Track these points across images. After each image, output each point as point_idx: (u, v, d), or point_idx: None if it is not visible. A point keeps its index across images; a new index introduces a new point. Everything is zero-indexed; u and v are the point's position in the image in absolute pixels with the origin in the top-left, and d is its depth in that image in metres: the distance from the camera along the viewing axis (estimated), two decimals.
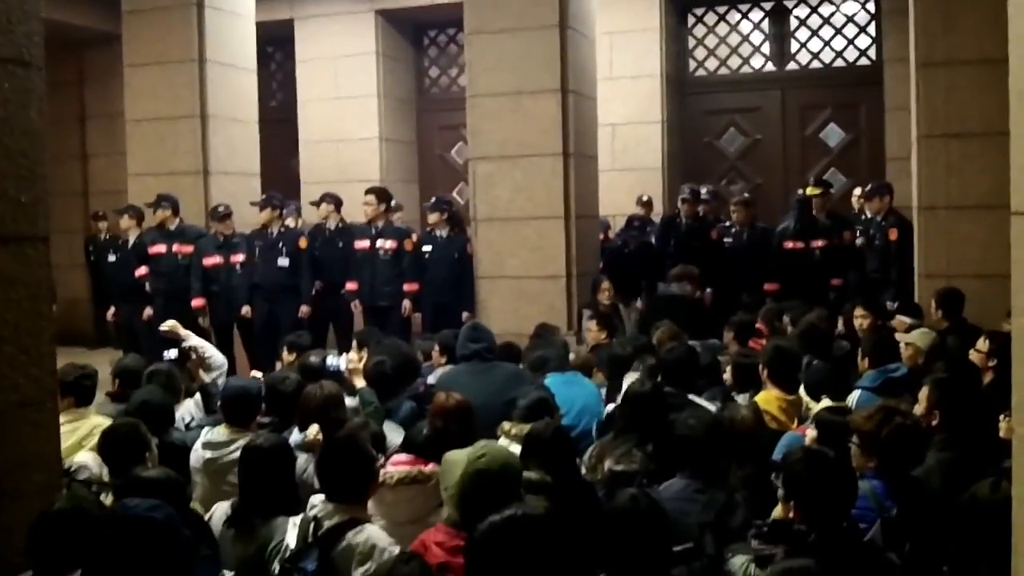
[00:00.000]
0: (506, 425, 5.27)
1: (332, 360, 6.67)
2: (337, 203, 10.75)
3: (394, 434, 5.51)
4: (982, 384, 5.76)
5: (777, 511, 4.27)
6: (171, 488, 3.89)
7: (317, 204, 10.83)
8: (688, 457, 4.56)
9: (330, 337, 10.43)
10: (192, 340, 7.08)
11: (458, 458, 4.02)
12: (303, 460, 5.02)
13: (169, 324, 7.32)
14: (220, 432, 5.41)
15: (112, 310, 11.81)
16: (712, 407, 5.54)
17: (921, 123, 8.55)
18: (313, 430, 5.30)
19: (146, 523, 2.61)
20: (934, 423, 4.75)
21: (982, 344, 6.21)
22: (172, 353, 6.93)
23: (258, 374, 7.14)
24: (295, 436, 5.37)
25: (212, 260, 10.63)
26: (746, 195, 11.44)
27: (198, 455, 5.36)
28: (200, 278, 10.62)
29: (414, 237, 10.56)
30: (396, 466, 4.53)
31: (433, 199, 10.84)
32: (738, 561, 3.69)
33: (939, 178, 8.43)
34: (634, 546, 3.39)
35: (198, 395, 6.47)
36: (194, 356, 6.65)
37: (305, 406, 5.47)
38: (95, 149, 15.26)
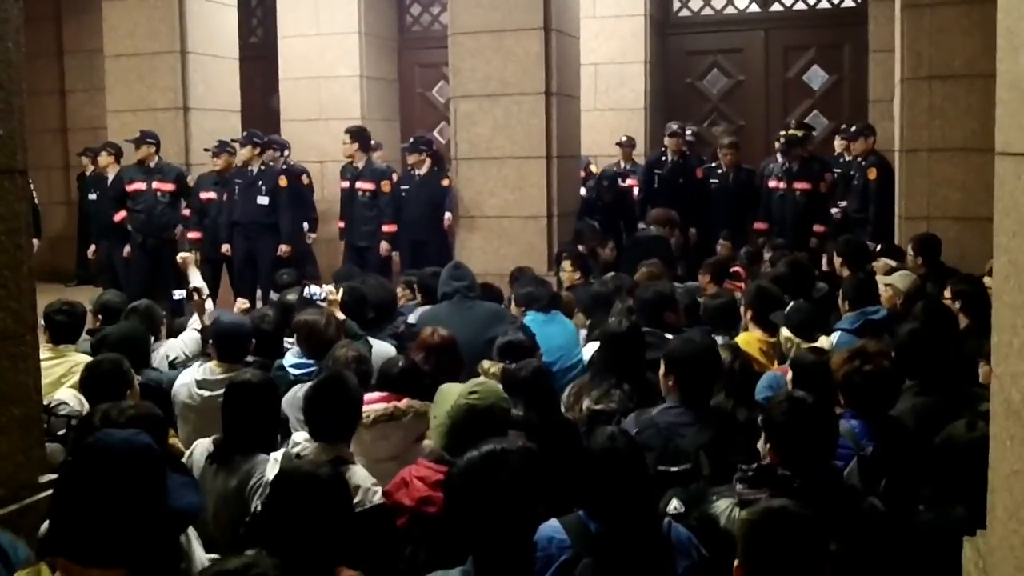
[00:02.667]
0: (486, 364, 5.28)
1: (314, 289, 6.70)
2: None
3: None
4: (958, 329, 5.79)
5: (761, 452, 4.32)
6: (149, 422, 3.88)
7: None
8: (683, 378, 4.55)
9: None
10: (196, 279, 7.11)
11: (452, 391, 4.03)
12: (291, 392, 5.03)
13: (184, 256, 7.41)
14: (212, 369, 5.41)
15: (92, 248, 11.76)
16: None
17: (905, 65, 8.53)
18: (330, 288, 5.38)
19: (126, 448, 2.61)
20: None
21: (949, 291, 6.26)
22: (181, 293, 6.91)
23: (243, 303, 7.10)
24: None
25: (208, 195, 10.67)
26: (734, 138, 11.39)
27: (190, 393, 5.36)
28: (197, 211, 10.69)
29: (393, 178, 10.55)
30: (370, 404, 4.52)
31: (411, 139, 10.81)
32: (723, 504, 3.71)
33: (921, 120, 8.43)
34: (612, 484, 3.42)
35: (188, 333, 6.46)
36: (197, 297, 6.64)
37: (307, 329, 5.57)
38: (73, 85, 15.12)
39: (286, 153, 11.71)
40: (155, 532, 2.59)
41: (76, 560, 2.53)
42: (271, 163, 10.89)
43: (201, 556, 3.46)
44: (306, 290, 6.58)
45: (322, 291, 6.64)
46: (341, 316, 6.12)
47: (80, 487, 2.60)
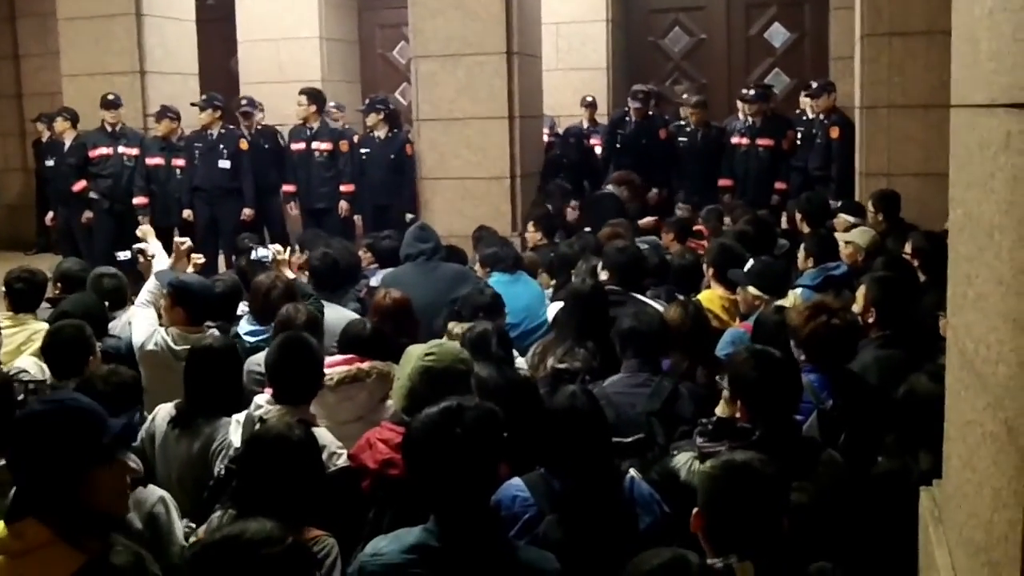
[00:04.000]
0: (452, 325, 5.28)
1: (261, 251, 6.67)
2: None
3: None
4: (914, 282, 5.83)
5: (720, 407, 4.35)
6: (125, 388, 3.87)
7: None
8: (632, 349, 4.59)
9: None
10: (153, 245, 7.05)
11: (416, 353, 4.04)
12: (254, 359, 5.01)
13: (144, 229, 7.31)
14: (184, 336, 5.25)
15: (51, 215, 11.64)
16: (657, 305, 5.59)
17: (865, 21, 8.55)
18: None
19: (76, 407, 2.62)
20: (871, 320, 4.82)
21: (908, 247, 6.31)
22: (125, 254, 6.83)
23: (199, 258, 7.04)
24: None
25: (154, 161, 10.54)
26: (701, 96, 11.40)
27: (171, 364, 5.20)
28: (144, 177, 10.55)
29: (355, 139, 10.51)
30: (334, 367, 4.52)
31: (368, 100, 10.76)
32: (683, 458, 3.74)
33: (881, 77, 8.45)
34: (573, 443, 3.44)
35: (144, 295, 6.39)
36: (142, 259, 6.57)
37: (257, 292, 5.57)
38: (27, 49, 14.88)
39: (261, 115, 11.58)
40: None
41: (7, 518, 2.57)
42: (233, 127, 10.82)
43: (181, 529, 3.47)
44: (254, 253, 6.54)
45: (268, 252, 6.61)
46: (290, 275, 6.10)
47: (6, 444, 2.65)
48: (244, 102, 10.63)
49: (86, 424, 2.60)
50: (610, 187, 9.61)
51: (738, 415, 3.70)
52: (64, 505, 2.54)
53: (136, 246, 6.72)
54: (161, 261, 6.88)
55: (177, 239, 6.73)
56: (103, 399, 3.04)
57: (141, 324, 5.46)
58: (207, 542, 2.66)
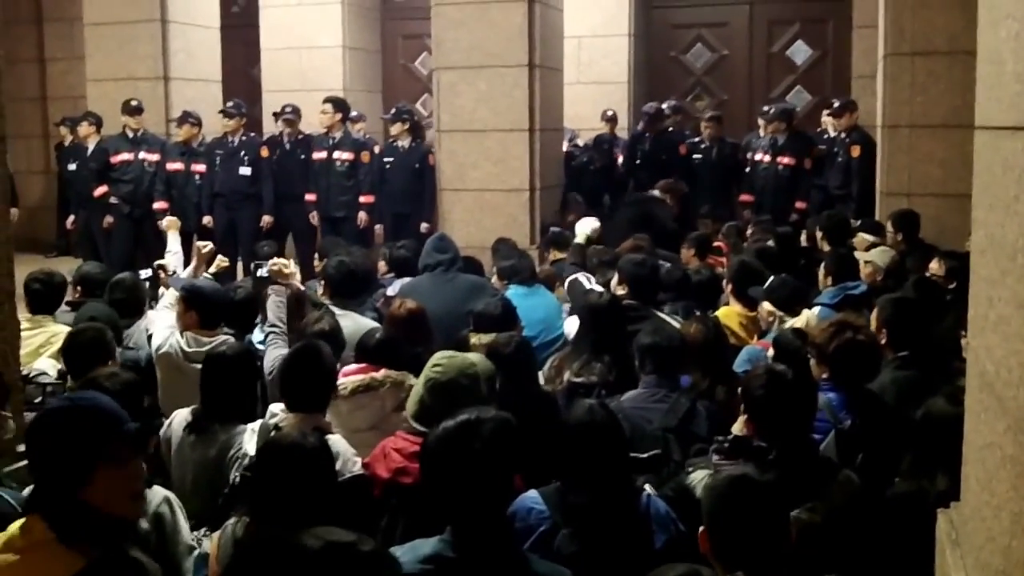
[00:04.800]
0: (473, 337, 5.29)
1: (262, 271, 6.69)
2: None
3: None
4: (939, 303, 5.80)
5: (738, 424, 4.33)
6: (128, 389, 3.87)
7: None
8: (651, 364, 4.58)
9: (289, 247, 10.40)
10: (174, 243, 7.13)
11: (430, 362, 4.04)
12: (273, 359, 5.02)
13: (169, 221, 7.41)
14: (198, 339, 5.31)
15: (72, 219, 11.70)
16: (674, 321, 5.58)
17: (887, 41, 8.52)
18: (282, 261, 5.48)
19: (87, 407, 2.62)
20: (883, 341, 4.80)
21: (935, 266, 6.28)
22: (146, 272, 6.88)
23: (209, 275, 7.05)
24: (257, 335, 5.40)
25: (174, 166, 10.60)
26: (716, 112, 11.40)
27: (179, 365, 5.28)
28: (164, 182, 10.62)
29: (376, 149, 10.54)
30: (348, 376, 4.53)
31: (394, 109, 10.77)
32: (698, 475, 3.73)
33: (903, 96, 8.43)
34: (590, 456, 3.43)
35: (164, 302, 6.41)
36: (163, 275, 6.61)
37: None
38: (53, 53, 14.96)
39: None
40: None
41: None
42: (254, 134, 10.87)
43: (186, 529, 3.47)
44: (260, 271, 6.54)
45: (272, 265, 6.60)
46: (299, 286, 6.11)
47: (27, 444, 2.65)
48: (288, 109, 10.63)
49: (95, 424, 2.59)
50: (656, 192, 9.58)
51: (749, 432, 3.69)
52: (66, 505, 2.54)
53: (157, 263, 6.77)
54: (179, 260, 6.93)
55: (199, 243, 6.76)
56: None
57: (159, 327, 5.51)
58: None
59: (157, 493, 3.47)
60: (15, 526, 2.56)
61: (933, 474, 3.39)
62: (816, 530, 3.20)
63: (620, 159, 11.69)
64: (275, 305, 5.35)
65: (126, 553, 2.63)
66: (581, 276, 6.70)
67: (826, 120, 10.98)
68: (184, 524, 3.49)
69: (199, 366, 5.04)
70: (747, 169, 10.67)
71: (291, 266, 5.91)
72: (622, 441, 3.61)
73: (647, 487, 3.65)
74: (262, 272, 6.19)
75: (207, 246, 6.58)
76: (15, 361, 4.03)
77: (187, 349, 5.26)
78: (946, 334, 4.89)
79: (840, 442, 3.98)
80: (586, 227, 8.27)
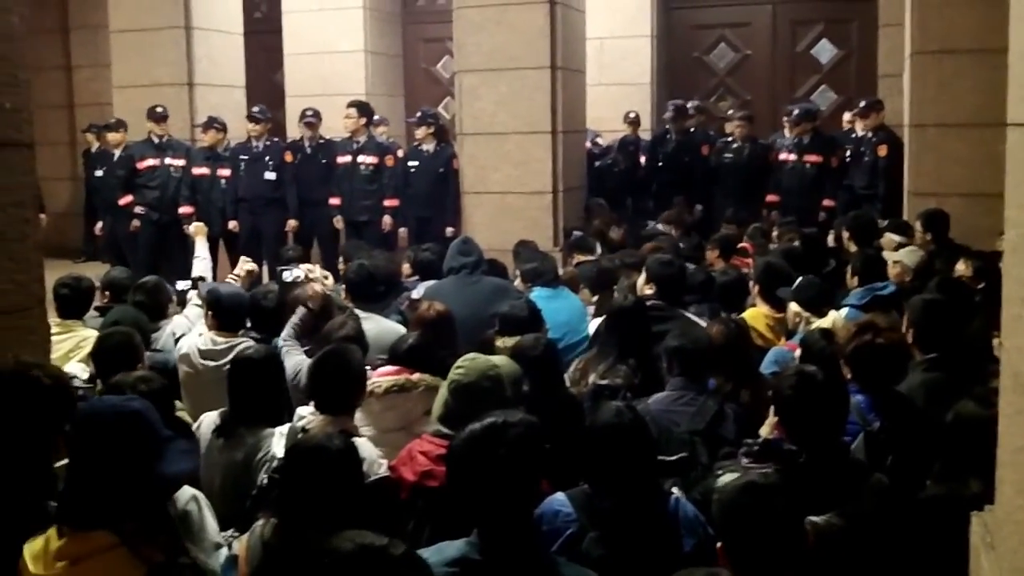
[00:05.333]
0: (500, 340, 5.29)
1: (295, 272, 6.71)
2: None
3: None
4: (967, 304, 5.75)
5: (766, 427, 4.31)
6: (155, 395, 3.88)
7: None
8: (679, 367, 4.57)
9: (314, 251, 10.42)
10: (203, 251, 7.19)
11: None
12: (292, 365, 5.04)
13: (196, 225, 7.49)
14: (213, 339, 5.41)
15: (100, 225, 11.78)
16: (701, 322, 5.56)
17: (913, 39, 8.47)
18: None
19: (117, 413, 2.63)
20: (912, 342, 4.76)
21: (962, 267, 6.23)
22: (185, 284, 6.93)
23: (251, 265, 7.10)
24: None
25: (199, 171, 10.66)
26: (746, 111, 11.34)
27: (192, 362, 5.39)
28: (189, 187, 10.67)
29: (399, 153, 10.55)
30: (383, 376, 4.55)
31: (419, 113, 10.77)
32: (727, 479, 3.71)
33: (930, 95, 8.37)
34: (618, 459, 3.42)
35: (191, 309, 6.46)
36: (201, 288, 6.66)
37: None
38: (79, 61, 15.10)
39: None
40: (142, 496, 2.60)
41: (66, 523, 2.57)
42: (278, 139, 10.91)
43: (213, 527, 3.48)
44: (285, 274, 6.56)
45: (300, 271, 6.64)
46: (320, 287, 6.13)
47: (71, 452, 2.64)
48: (309, 113, 10.66)
49: (145, 428, 2.62)
50: (660, 226, 9.52)
51: (775, 434, 3.67)
52: (132, 511, 2.55)
53: (195, 275, 6.81)
54: (208, 266, 6.97)
55: (245, 264, 6.81)
56: None
57: (183, 328, 5.72)
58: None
59: (185, 491, 3.47)
60: (52, 533, 2.57)
61: (965, 477, 3.37)
62: (844, 536, 3.17)
63: (643, 160, 11.65)
64: (296, 316, 5.47)
65: (186, 557, 2.65)
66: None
67: (848, 118, 10.93)
68: (212, 522, 3.49)
69: (212, 363, 5.18)
70: (773, 168, 10.59)
71: (318, 271, 5.97)
72: (650, 444, 3.59)
73: (675, 490, 3.63)
74: (288, 276, 6.23)
75: (248, 263, 6.68)
76: None
77: (201, 348, 5.41)
78: (976, 335, 4.85)
79: (869, 444, 3.95)
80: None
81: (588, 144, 11.54)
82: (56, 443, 2.90)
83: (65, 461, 2.97)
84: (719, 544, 2.82)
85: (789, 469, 3.38)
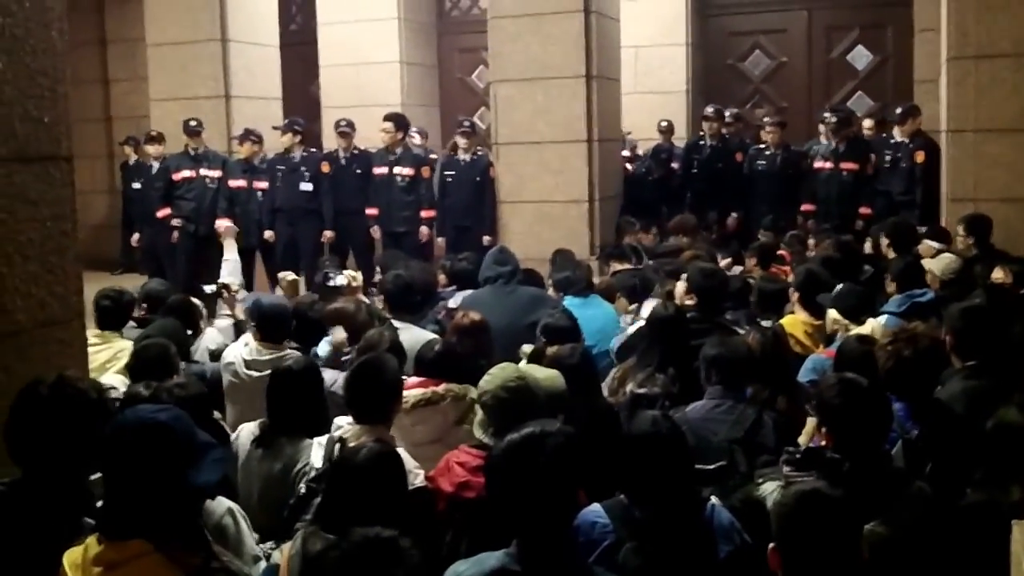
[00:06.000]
0: (527, 347, 5.29)
1: (339, 279, 6.76)
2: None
3: None
4: (1010, 310, 5.69)
5: (805, 435, 4.29)
6: (193, 401, 3.91)
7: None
8: (717, 375, 4.55)
9: (350, 262, 10.46)
10: (232, 253, 7.24)
11: None
12: (331, 375, 5.06)
13: (225, 228, 7.57)
14: (258, 349, 5.45)
15: (136, 236, 11.88)
16: (739, 330, 5.53)
17: (950, 44, 8.40)
18: (340, 334, 5.50)
19: (150, 423, 2.65)
20: (952, 349, 4.71)
21: (1000, 274, 6.17)
22: (211, 288, 6.99)
23: (290, 275, 7.16)
24: (324, 347, 5.52)
25: (237, 183, 10.73)
26: (779, 117, 11.29)
27: (237, 372, 5.43)
28: (227, 199, 10.75)
29: (433, 164, 10.58)
30: (409, 389, 4.55)
31: (468, 122, 10.72)
32: (769, 487, 3.70)
33: (968, 101, 8.29)
34: (655, 469, 3.40)
35: (220, 321, 6.51)
36: (226, 294, 6.71)
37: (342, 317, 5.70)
38: (116, 74, 15.25)
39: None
40: (174, 505, 2.62)
41: (104, 532, 2.60)
42: (315, 150, 10.98)
43: (250, 540, 3.49)
44: (330, 279, 6.62)
45: (343, 277, 6.70)
46: (364, 300, 6.17)
47: (104, 462, 2.69)
48: (344, 123, 10.72)
49: (176, 438, 2.64)
50: (671, 240, 9.43)
51: (824, 443, 3.63)
52: (165, 519, 2.58)
53: (220, 281, 6.85)
54: (236, 267, 7.01)
55: (281, 274, 6.89)
56: None
57: (216, 339, 5.88)
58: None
59: (221, 504, 3.50)
60: (92, 541, 2.60)
61: (1006, 485, 3.33)
62: (888, 544, 3.14)
63: (675, 165, 11.61)
64: (324, 347, 5.58)
65: (220, 563, 2.68)
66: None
67: (868, 125, 10.85)
68: (248, 534, 3.51)
69: (256, 373, 5.20)
70: (808, 176, 10.52)
71: (359, 279, 6.01)
72: (686, 453, 3.58)
73: (712, 498, 3.61)
74: (332, 282, 6.28)
75: (290, 276, 6.75)
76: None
77: (247, 358, 5.44)
78: (1018, 341, 4.79)
79: (908, 452, 3.92)
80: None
81: (627, 152, 11.55)
82: (94, 455, 2.93)
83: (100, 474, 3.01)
84: (772, 553, 2.79)
85: (833, 477, 3.34)
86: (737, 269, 7.90)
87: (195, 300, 6.56)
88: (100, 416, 3.02)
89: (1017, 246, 7.04)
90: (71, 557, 2.61)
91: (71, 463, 2.96)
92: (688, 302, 5.83)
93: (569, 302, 6.38)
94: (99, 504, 2.85)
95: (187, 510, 2.75)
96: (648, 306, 6.08)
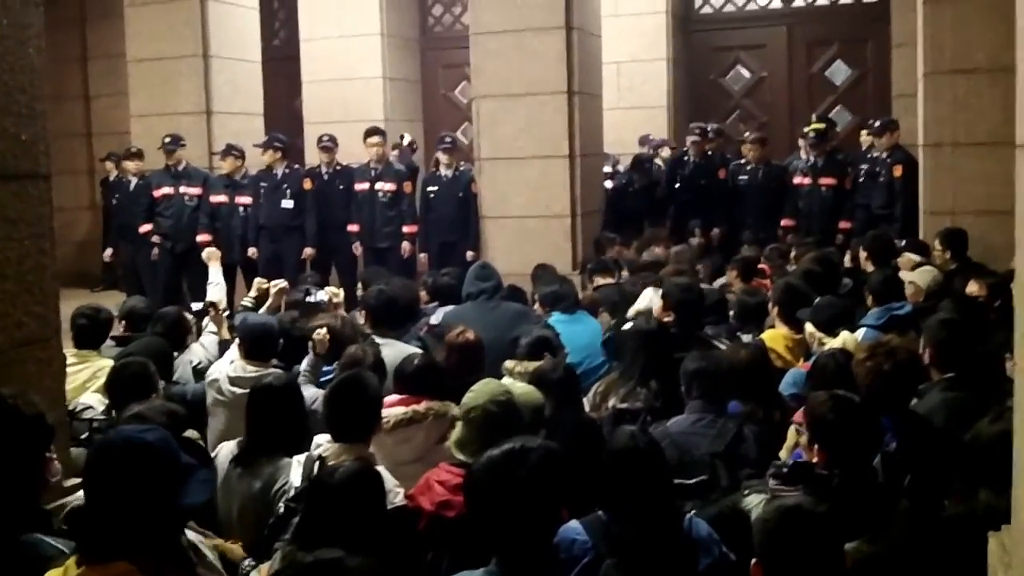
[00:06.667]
0: (510, 363, 5.29)
1: (319, 295, 6.77)
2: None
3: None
4: (983, 323, 5.72)
5: (786, 449, 4.30)
6: (170, 421, 3.89)
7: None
8: (698, 390, 4.55)
9: (332, 278, 10.45)
10: (217, 275, 7.24)
11: None
12: (311, 393, 5.05)
13: (209, 251, 7.58)
14: (244, 367, 5.43)
15: (110, 251, 11.81)
16: (719, 344, 5.55)
17: (928, 59, 8.47)
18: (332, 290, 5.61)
19: (137, 444, 2.64)
20: (931, 362, 4.74)
21: (974, 288, 6.21)
22: (198, 305, 6.98)
23: (262, 282, 7.15)
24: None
25: (218, 198, 10.71)
26: (760, 133, 11.34)
27: (221, 388, 5.42)
28: (208, 215, 10.71)
29: (417, 179, 10.59)
30: (390, 408, 4.54)
31: (448, 138, 10.73)
32: (755, 499, 3.71)
33: (945, 115, 8.36)
34: (633, 484, 3.41)
35: (206, 337, 6.49)
36: (214, 312, 6.71)
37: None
38: (98, 90, 15.23)
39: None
40: (158, 527, 2.62)
41: (83, 554, 2.58)
42: (298, 167, 10.97)
43: (216, 557, 3.48)
44: (310, 296, 6.62)
45: (324, 293, 6.71)
46: (344, 315, 6.18)
47: (87, 482, 2.68)
48: (325, 138, 10.74)
49: (162, 459, 2.64)
50: (645, 255, 9.45)
51: (815, 459, 3.64)
52: (148, 541, 2.57)
53: (208, 299, 6.85)
54: (222, 292, 7.02)
55: (273, 282, 6.88)
56: None
57: (202, 356, 5.85)
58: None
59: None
60: (71, 564, 2.58)
61: (983, 496, 3.35)
62: (874, 562, 3.15)
63: (660, 181, 11.63)
64: (306, 363, 5.54)
65: None
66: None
67: (865, 139, 10.91)
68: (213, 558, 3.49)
69: (240, 391, 5.19)
70: (789, 192, 10.56)
71: (340, 295, 6.01)
72: (664, 468, 3.58)
73: (691, 512, 3.62)
74: (321, 299, 6.29)
75: (281, 283, 6.76)
76: (62, 397, 4.06)
77: (231, 375, 5.43)
78: (994, 354, 4.82)
79: (886, 465, 3.93)
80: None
81: (609, 168, 11.56)
82: (40, 475, 2.91)
83: (60, 502, 3.00)
84: (755, 568, 2.80)
85: (820, 493, 3.36)
86: (720, 282, 7.92)
87: (185, 317, 6.57)
88: (36, 434, 2.98)
89: (994, 259, 7.08)
90: None
91: (10, 481, 2.92)
92: (666, 318, 5.84)
93: (555, 319, 6.38)
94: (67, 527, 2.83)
95: (172, 531, 2.74)
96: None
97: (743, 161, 10.97)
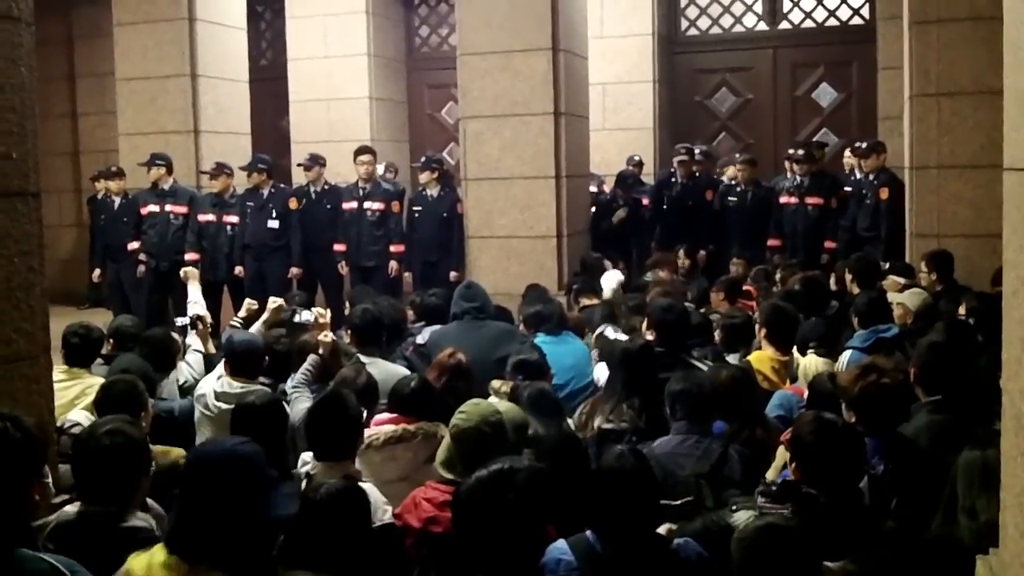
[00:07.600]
0: (496, 383, 5.29)
1: (305, 315, 6.78)
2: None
3: None
4: (972, 345, 5.75)
5: (773, 469, 4.30)
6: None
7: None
8: (683, 411, 4.56)
9: (319, 297, 10.44)
10: (196, 294, 7.22)
11: None
12: (299, 411, 5.04)
13: (187, 270, 7.57)
14: (230, 383, 5.46)
15: (97, 271, 11.78)
16: (703, 366, 5.56)
17: (913, 82, 8.53)
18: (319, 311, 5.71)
19: (233, 456, 2.68)
20: (917, 384, 4.76)
21: (964, 309, 6.24)
22: (184, 320, 6.97)
23: (252, 303, 7.14)
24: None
25: (205, 217, 10.69)
26: (749, 155, 11.38)
27: (208, 404, 5.44)
28: (195, 233, 10.70)
29: (405, 200, 10.62)
30: (380, 426, 4.54)
31: (423, 158, 10.83)
32: (742, 516, 3.70)
33: (931, 137, 8.40)
34: (622, 504, 3.41)
35: (191, 355, 6.48)
36: (200, 326, 6.69)
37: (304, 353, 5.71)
38: (85, 108, 15.24)
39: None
40: (250, 538, 2.66)
41: (182, 555, 2.69)
42: (284, 186, 10.97)
43: None
44: (296, 316, 6.61)
45: (311, 314, 6.71)
46: (330, 337, 6.16)
47: (183, 493, 2.81)
48: (307, 157, 10.81)
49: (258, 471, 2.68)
50: (649, 275, 9.48)
51: (794, 478, 3.66)
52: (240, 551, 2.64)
53: (195, 314, 6.84)
54: (202, 311, 7.02)
55: (272, 300, 6.90)
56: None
57: (188, 373, 5.90)
58: None
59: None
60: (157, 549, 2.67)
61: (968, 518, 3.36)
62: None
63: (645, 201, 11.65)
64: (308, 363, 5.51)
65: None
66: (609, 330, 6.67)
67: (848, 161, 10.95)
68: None
69: (226, 406, 5.23)
70: (775, 211, 10.60)
71: (327, 316, 6.01)
72: (653, 488, 3.58)
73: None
74: (307, 320, 6.29)
75: (278, 301, 6.84)
76: (50, 415, 4.05)
77: (218, 391, 5.48)
78: (982, 376, 4.84)
79: (873, 488, 3.94)
80: (612, 281, 8.28)
81: (594, 189, 11.59)
82: (30, 496, 2.89)
83: (45, 519, 3.00)
84: None
85: (807, 512, 3.37)
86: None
87: (173, 337, 6.56)
88: (27, 459, 2.95)
89: (979, 280, 7.12)
90: (137, 562, 2.71)
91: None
92: (649, 337, 5.85)
93: (541, 339, 6.37)
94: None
95: (264, 543, 2.77)
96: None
97: (732, 182, 11.00)
